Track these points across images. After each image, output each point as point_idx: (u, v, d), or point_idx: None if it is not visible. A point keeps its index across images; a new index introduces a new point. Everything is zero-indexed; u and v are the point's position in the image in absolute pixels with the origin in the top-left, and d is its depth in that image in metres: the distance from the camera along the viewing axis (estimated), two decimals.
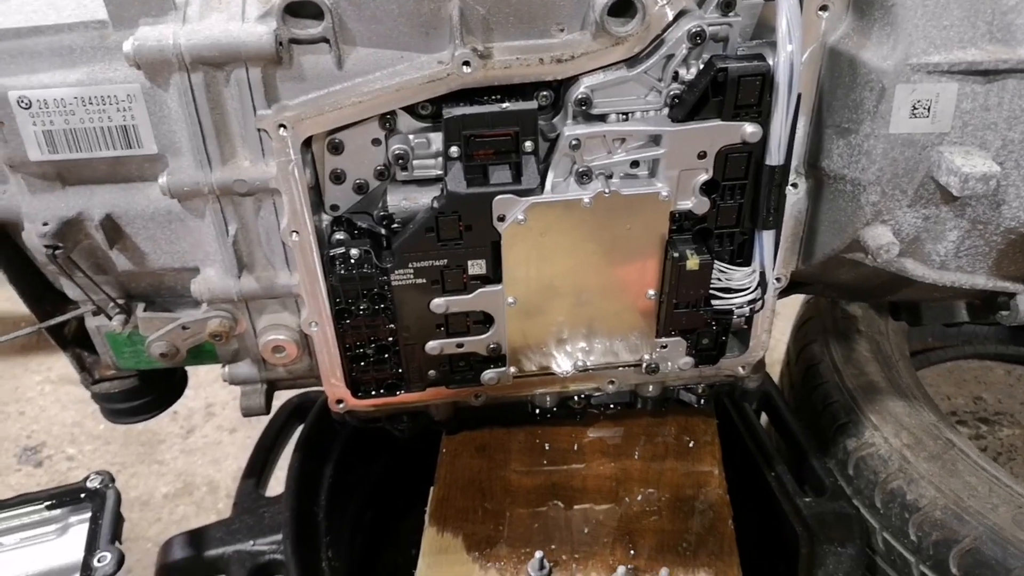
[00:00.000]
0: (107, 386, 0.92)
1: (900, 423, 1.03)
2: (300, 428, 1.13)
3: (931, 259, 0.76)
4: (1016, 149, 0.68)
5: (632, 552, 0.82)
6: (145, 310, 0.82)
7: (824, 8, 0.67)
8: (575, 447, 0.94)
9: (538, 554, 0.80)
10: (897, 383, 1.10)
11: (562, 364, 0.85)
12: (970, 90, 0.66)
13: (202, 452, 1.84)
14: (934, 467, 0.97)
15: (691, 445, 0.94)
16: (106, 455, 1.85)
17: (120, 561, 0.76)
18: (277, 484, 1.07)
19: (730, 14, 0.67)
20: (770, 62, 0.67)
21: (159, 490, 1.76)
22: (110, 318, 0.81)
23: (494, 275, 0.77)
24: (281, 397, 1.03)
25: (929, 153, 0.69)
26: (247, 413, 0.88)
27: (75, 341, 0.88)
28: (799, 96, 0.69)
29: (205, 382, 1.95)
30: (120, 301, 0.81)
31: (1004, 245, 0.74)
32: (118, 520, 0.81)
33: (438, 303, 0.78)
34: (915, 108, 0.67)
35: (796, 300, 1.33)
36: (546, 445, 0.94)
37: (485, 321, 0.81)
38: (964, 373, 1.51)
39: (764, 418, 1.16)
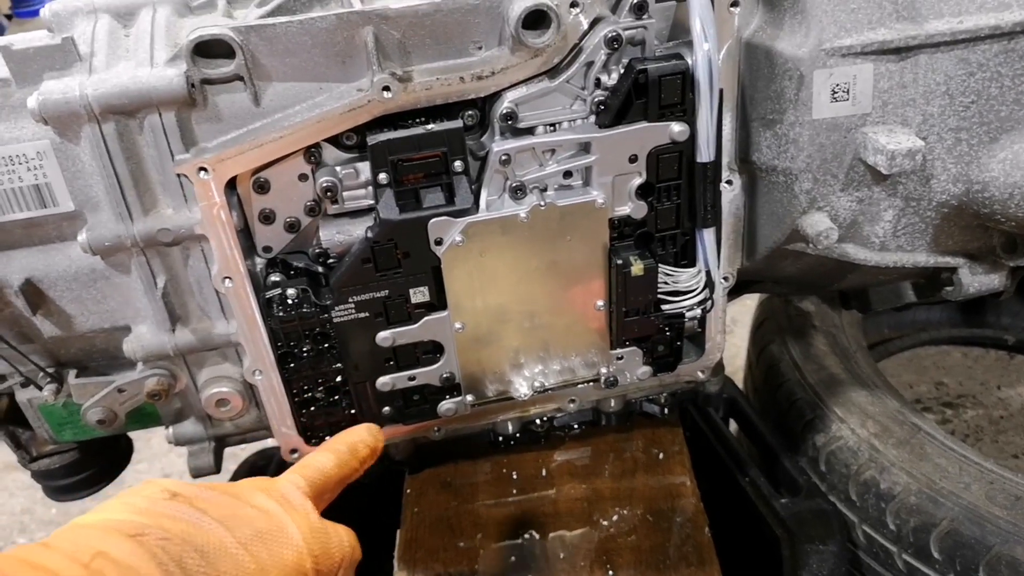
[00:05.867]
0: (46, 462, 0.87)
1: (865, 413, 1.02)
2: None
3: (871, 241, 0.76)
4: (936, 123, 0.68)
5: (611, 573, 0.80)
6: (77, 376, 0.78)
7: (735, 4, 0.67)
8: (543, 472, 0.92)
9: None
10: (857, 374, 1.10)
11: (519, 387, 0.83)
12: (885, 69, 0.67)
13: None
14: (903, 453, 0.96)
15: (660, 457, 0.92)
16: None
17: None
18: None
19: (644, 17, 0.68)
20: (689, 60, 0.68)
21: None
22: (41, 388, 0.77)
23: (438, 301, 0.76)
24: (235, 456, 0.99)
25: (854, 135, 0.69)
26: (196, 474, 0.84)
27: (7, 418, 0.83)
28: (721, 92, 0.69)
29: (160, 452, 1.88)
30: (50, 370, 0.78)
31: (939, 220, 0.74)
32: None
33: (384, 336, 0.76)
34: (835, 92, 0.68)
35: (752, 306, 1.33)
36: (513, 474, 0.92)
37: (435, 351, 0.79)
38: (923, 360, 1.52)
39: (734, 426, 1.15)
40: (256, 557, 0.46)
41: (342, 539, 0.53)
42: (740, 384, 1.31)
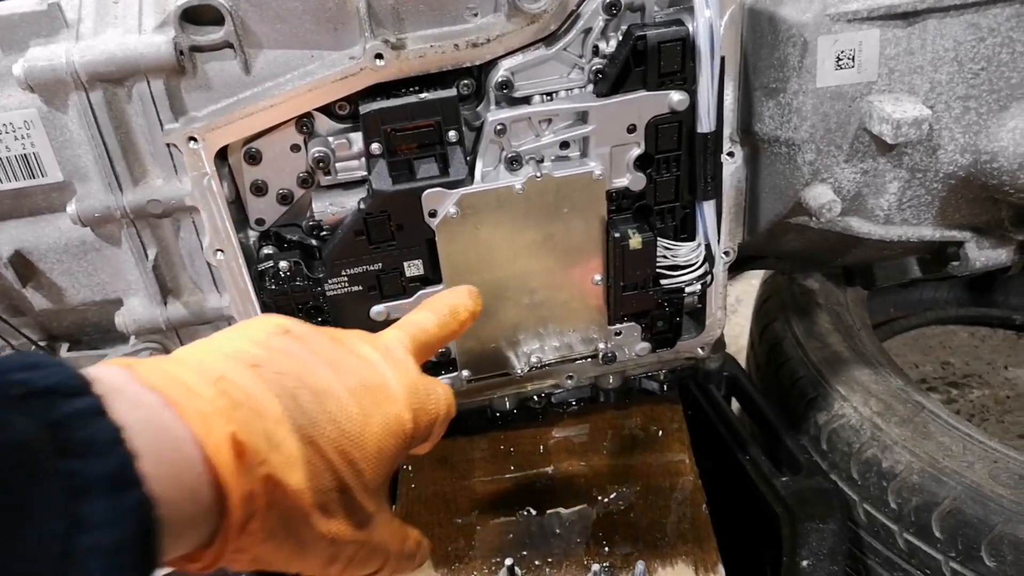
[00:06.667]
0: None
1: (868, 391, 1.01)
2: None
3: (875, 214, 0.75)
4: (944, 91, 0.67)
5: (607, 550, 0.79)
6: (70, 350, 0.77)
7: None
8: (541, 449, 0.91)
9: (507, 562, 0.76)
10: (861, 352, 1.09)
11: (516, 363, 0.82)
12: (892, 35, 0.65)
13: None
14: (906, 431, 0.95)
15: (659, 434, 0.91)
16: None
17: None
18: None
19: None
20: (689, 27, 0.66)
21: None
22: None
23: (433, 275, 0.75)
24: None
25: (859, 104, 0.68)
26: None
27: None
28: (723, 59, 0.67)
29: None
30: (42, 343, 0.77)
31: (946, 192, 0.73)
32: None
33: (377, 310, 0.75)
34: (839, 59, 0.66)
35: (756, 286, 1.32)
36: (511, 450, 0.91)
37: None
38: (929, 340, 1.50)
39: (736, 405, 1.14)
40: (361, 404, 0.46)
41: (439, 396, 0.53)
42: (743, 363, 1.30)
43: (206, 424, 0.38)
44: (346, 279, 0.73)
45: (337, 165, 0.70)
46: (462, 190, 0.69)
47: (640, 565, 0.75)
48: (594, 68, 0.68)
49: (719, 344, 0.89)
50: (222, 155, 0.68)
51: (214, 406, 0.39)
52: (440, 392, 0.53)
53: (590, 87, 0.69)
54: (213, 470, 0.37)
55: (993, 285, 1.52)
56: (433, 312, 0.60)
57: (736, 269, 0.87)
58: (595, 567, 0.75)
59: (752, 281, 1.49)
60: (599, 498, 0.85)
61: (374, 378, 0.49)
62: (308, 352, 0.47)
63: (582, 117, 0.70)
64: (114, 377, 0.37)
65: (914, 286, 1.49)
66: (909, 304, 1.53)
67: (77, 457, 0.32)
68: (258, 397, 0.41)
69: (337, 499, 0.44)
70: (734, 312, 1.76)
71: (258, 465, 0.39)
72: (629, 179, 0.73)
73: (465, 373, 0.82)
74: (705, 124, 0.69)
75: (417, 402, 0.50)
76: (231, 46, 0.65)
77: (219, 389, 0.40)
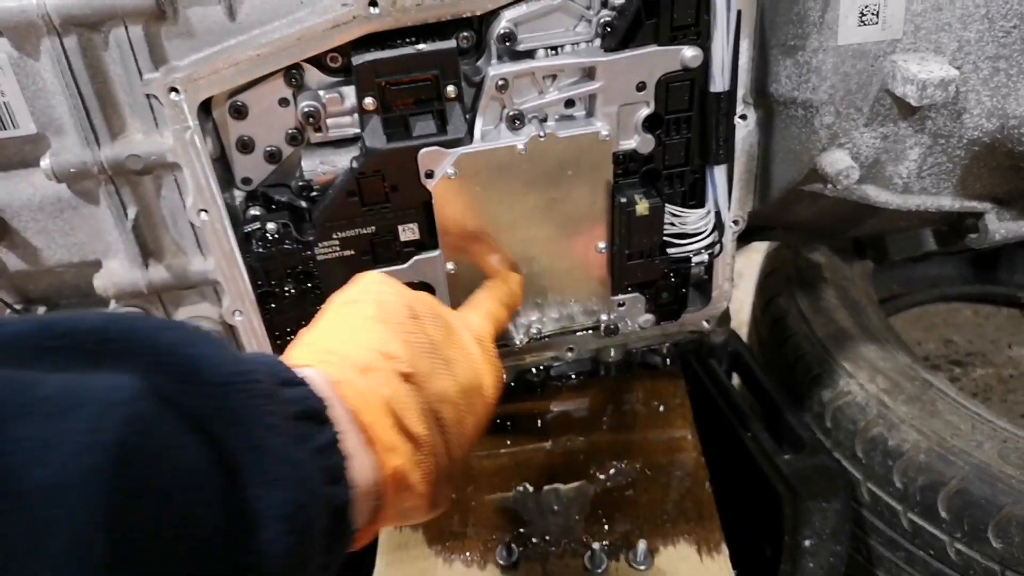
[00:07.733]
0: None
1: (875, 368, 0.98)
2: None
3: (893, 183, 0.71)
4: (973, 50, 0.63)
5: (607, 528, 0.77)
6: (47, 313, 0.74)
7: None
8: (538, 423, 0.88)
9: (504, 539, 0.74)
10: (868, 328, 1.06)
11: (514, 334, 0.79)
12: None
13: None
14: (914, 409, 0.93)
15: (661, 409, 0.89)
16: None
17: None
18: None
19: None
20: None
21: None
22: None
23: (429, 240, 0.71)
24: None
25: (882, 64, 0.64)
26: None
27: None
28: (739, 13, 0.64)
29: None
30: (18, 307, 0.73)
31: (968, 160, 0.69)
32: None
33: None
34: (863, 15, 0.62)
35: (757, 260, 1.29)
36: (507, 424, 0.88)
37: None
38: (932, 317, 1.48)
39: (737, 380, 1.11)
40: (468, 405, 0.52)
41: (503, 381, 0.59)
42: (744, 338, 1.27)
43: (386, 459, 0.45)
44: (337, 243, 0.69)
45: (328, 121, 0.66)
46: (461, 150, 0.66)
47: (642, 544, 0.72)
48: (602, 20, 0.64)
49: (724, 317, 0.87)
50: (206, 108, 0.64)
51: (390, 442, 0.45)
52: (502, 375, 0.59)
53: (598, 41, 0.65)
54: (381, 495, 0.44)
55: (998, 262, 1.49)
56: (504, 306, 0.66)
57: (741, 240, 0.84)
58: (594, 545, 0.72)
59: (753, 255, 1.46)
60: (599, 475, 0.82)
61: (476, 378, 0.54)
62: (432, 345, 0.51)
63: (589, 73, 0.66)
64: (325, 393, 0.42)
65: (918, 262, 1.46)
66: (912, 281, 1.50)
67: (333, 485, 0.39)
68: (413, 427, 0.46)
69: (442, 484, 0.50)
70: (734, 286, 1.73)
71: (405, 488, 0.46)
72: (637, 141, 0.69)
73: None
74: (719, 83, 0.66)
75: (498, 392, 0.57)
76: None
77: (392, 420, 0.45)
